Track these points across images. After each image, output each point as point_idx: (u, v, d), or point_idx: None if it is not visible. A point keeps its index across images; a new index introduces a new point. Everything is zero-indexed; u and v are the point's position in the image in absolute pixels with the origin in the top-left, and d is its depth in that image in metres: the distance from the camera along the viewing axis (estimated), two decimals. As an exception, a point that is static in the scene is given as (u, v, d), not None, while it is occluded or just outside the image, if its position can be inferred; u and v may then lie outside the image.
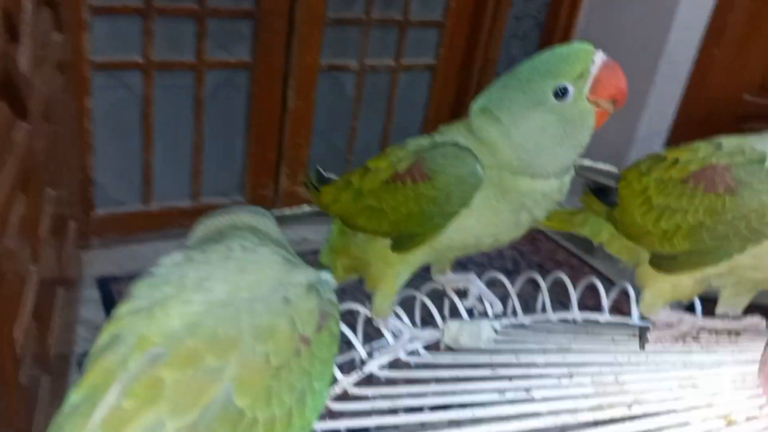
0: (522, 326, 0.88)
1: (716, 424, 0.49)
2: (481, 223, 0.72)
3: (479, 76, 3.33)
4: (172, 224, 2.95)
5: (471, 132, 0.72)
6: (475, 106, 0.73)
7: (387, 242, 0.77)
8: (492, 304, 0.91)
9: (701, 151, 0.65)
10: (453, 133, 0.74)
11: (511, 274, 0.94)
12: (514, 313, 0.91)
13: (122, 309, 0.55)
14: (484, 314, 0.89)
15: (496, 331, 0.84)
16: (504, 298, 0.92)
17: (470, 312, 0.90)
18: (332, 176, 0.88)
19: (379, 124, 3.27)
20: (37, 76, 1.68)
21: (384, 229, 0.75)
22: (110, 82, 2.63)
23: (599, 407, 0.54)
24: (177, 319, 0.52)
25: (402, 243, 0.74)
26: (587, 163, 0.83)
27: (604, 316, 0.91)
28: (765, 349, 0.52)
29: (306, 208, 0.93)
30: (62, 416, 0.49)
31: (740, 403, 0.51)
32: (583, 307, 0.92)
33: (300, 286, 0.56)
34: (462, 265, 0.87)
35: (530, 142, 0.68)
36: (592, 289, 0.91)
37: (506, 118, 0.69)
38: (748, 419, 0.49)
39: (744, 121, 3.14)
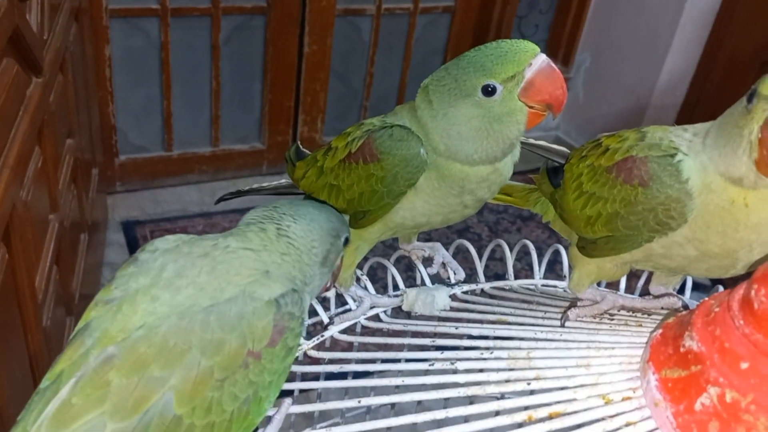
0: (483, 292, 0.93)
1: (597, 402, 0.55)
2: (428, 203, 0.76)
3: (499, 17, 3.28)
4: (193, 170, 3.05)
5: (415, 112, 0.75)
6: (423, 82, 0.76)
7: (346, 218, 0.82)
8: (455, 271, 0.96)
9: (628, 141, 0.68)
10: (404, 113, 0.77)
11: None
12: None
13: (101, 294, 0.60)
14: (448, 281, 0.95)
15: (456, 297, 0.90)
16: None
17: (439, 279, 0.96)
18: (308, 152, 0.93)
19: (397, 68, 3.26)
20: (50, 26, 1.74)
21: (341, 206, 0.80)
22: (127, 29, 2.68)
23: (506, 381, 0.60)
24: (140, 318, 0.56)
25: (358, 219, 0.80)
26: (541, 143, 0.86)
27: (563, 283, 0.96)
28: (650, 335, 0.57)
29: (283, 182, 0.99)
30: (34, 397, 0.55)
31: (620, 383, 0.56)
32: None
33: (259, 300, 0.57)
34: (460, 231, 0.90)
35: (454, 131, 0.71)
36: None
37: (437, 103, 0.71)
38: (623, 399, 0.54)
39: (769, 66, 3.06)
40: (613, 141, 0.70)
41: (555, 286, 0.97)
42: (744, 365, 0.47)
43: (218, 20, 2.77)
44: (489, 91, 0.68)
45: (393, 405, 0.84)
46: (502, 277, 0.99)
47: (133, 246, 2.64)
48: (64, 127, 1.91)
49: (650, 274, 0.83)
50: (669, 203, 0.63)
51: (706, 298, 0.55)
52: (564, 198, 0.76)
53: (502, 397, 0.60)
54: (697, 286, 0.94)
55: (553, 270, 1.02)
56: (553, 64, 0.67)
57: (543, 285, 0.97)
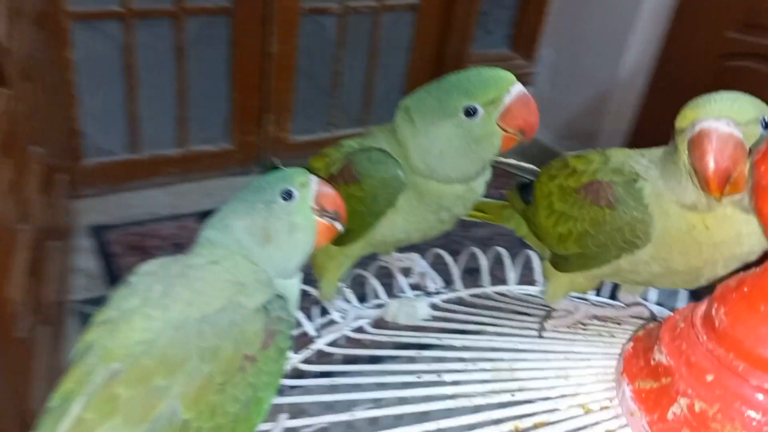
0: (461, 300, 0.97)
1: (577, 411, 0.59)
2: (408, 221, 0.80)
3: (463, 14, 3.32)
4: (161, 172, 3.03)
5: (395, 135, 0.78)
6: (401, 103, 0.80)
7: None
8: (434, 280, 1.00)
9: (593, 164, 0.72)
10: (380, 135, 0.81)
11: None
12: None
13: (99, 317, 0.64)
14: (426, 290, 0.99)
15: (436, 307, 0.93)
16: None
17: (417, 288, 1.00)
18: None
19: (363, 67, 3.28)
20: (14, 33, 1.72)
21: (323, 226, 0.83)
22: (91, 32, 2.65)
23: (491, 392, 0.64)
24: (138, 334, 0.60)
25: (340, 238, 0.82)
26: (512, 161, 0.90)
27: (537, 288, 1.01)
28: (622, 348, 0.61)
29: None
30: (43, 416, 0.59)
31: (598, 393, 0.60)
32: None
33: (246, 308, 0.62)
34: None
35: (435, 149, 0.74)
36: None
37: (419, 122, 0.75)
38: (602, 408, 0.59)
39: (726, 59, 3.15)
40: (580, 163, 0.75)
41: (529, 293, 1.01)
42: (709, 378, 0.51)
43: (182, 22, 2.75)
44: (470, 113, 0.72)
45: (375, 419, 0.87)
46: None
47: (103, 251, 2.61)
48: (31, 134, 1.90)
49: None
50: (634, 224, 0.67)
51: (671, 314, 0.59)
52: (536, 215, 0.80)
53: (488, 407, 0.64)
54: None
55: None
56: (529, 94, 0.72)
57: (518, 291, 1.02)
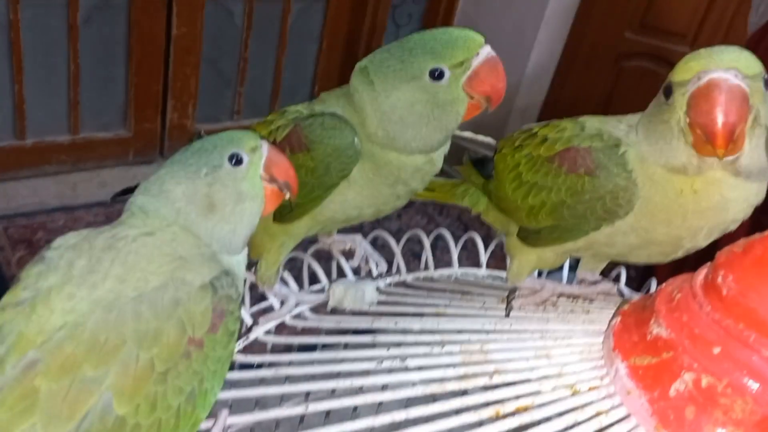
0: (405, 284, 0.92)
1: (563, 393, 0.55)
2: (361, 195, 0.73)
3: (374, 6, 3.29)
4: (50, 160, 2.79)
5: (349, 100, 0.72)
6: (358, 64, 0.73)
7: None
8: (377, 263, 0.94)
9: (567, 131, 0.68)
10: (333, 101, 0.73)
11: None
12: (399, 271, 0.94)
13: (8, 297, 0.53)
14: (369, 274, 0.93)
15: (380, 291, 0.87)
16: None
17: (357, 271, 0.93)
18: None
19: (271, 54, 3.17)
20: None
21: (263, 199, 0.74)
22: (-30, 5, 2.40)
23: (465, 376, 0.59)
24: (59, 316, 0.50)
25: (283, 214, 0.75)
26: (467, 134, 0.85)
27: (482, 271, 0.97)
28: (609, 323, 0.58)
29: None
30: None
31: (585, 373, 0.56)
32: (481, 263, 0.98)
33: (191, 285, 0.53)
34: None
35: (396, 115, 0.68)
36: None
37: (379, 84, 0.68)
38: (591, 389, 0.55)
39: (624, 59, 3.30)
40: (550, 131, 0.71)
41: (474, 275, 0.97)
42: (716, 350, 0.48)
43: (75, -1, 2.55)
44: (436, 75, 0.66)
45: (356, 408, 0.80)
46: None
47: (-17, 246, 2.37)
48: None
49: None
50: (617, 191, 0.64)
51: (663, 285, 0.56)
52: (500, 188, 0.75)
53: (464, 393, 0.58)
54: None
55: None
56: (498, 58, 0.67)
57: (462, 273, 0.97)
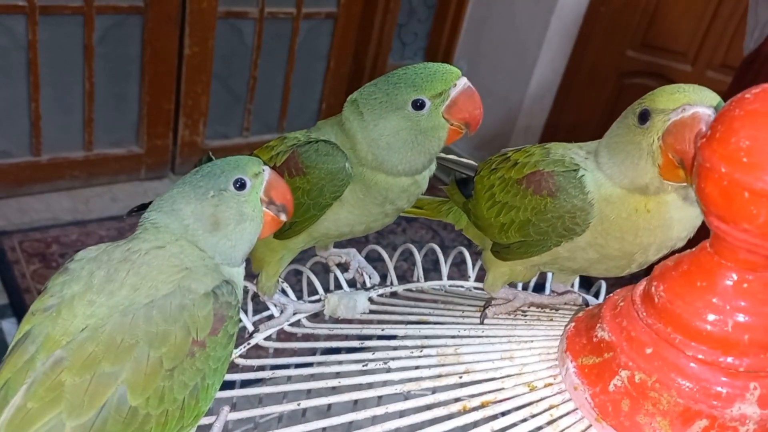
0: (396, 294, 0.99)
1: (522, 390, 0.62)
2: (352, 214, 0.81)
3: (380, 25, 3.37)
4: (64, 176, 2.89)
5: (342, 128, 0.80)
6: (349, 97, 0.81)
7: (270, 229, 0.84)
8: (370, 275, 1.01)
9: (535, 156, 0.76)
10: (327, 129, 0.81)
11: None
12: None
13: (37, 304, 0.61)
14: (364, 285, 1.00)
15: (372, 301, 0.95)
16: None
17: (353, 283, 1.01)
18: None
19: (280, 73, 3.26)
20: None
21: (266, 218, 0.83)
22: (-8, 27, 2.51)
23: (438, 376, 0.66)
24: (81, 320, 0.58)
25: (282, 231, 0.83)
26: (453, 157, 0.93)
27: (469, 283, 1.04)
28: (564, 328, 0.65)
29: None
30: None
31: (542, 372, 0.64)
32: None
33: (196, 293, 0.60)
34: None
35: (383, 141, 0.76)
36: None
37: (368, 114, 0.76)
38: (546, 386, 0.62)
39: (626, 77, 3.37)
40: (521, 156, 0.78)
41: (461, 286, 1.04)
42: (648, 350, 0.55)
43: (91, 19, 2.66)
44: (418, 105, 0.74)
45: (329, 406, 0.87)
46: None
47: (1, 257, 2.46)
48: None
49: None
50: (574, 212, 0.71)
51: (611, 295, 0.63)
52: (477, 207, 0.83)
53: (435, 391, 0.66)
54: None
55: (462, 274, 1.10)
56: (473, 88, 0.75)
57: (450, 286, 1.04)
